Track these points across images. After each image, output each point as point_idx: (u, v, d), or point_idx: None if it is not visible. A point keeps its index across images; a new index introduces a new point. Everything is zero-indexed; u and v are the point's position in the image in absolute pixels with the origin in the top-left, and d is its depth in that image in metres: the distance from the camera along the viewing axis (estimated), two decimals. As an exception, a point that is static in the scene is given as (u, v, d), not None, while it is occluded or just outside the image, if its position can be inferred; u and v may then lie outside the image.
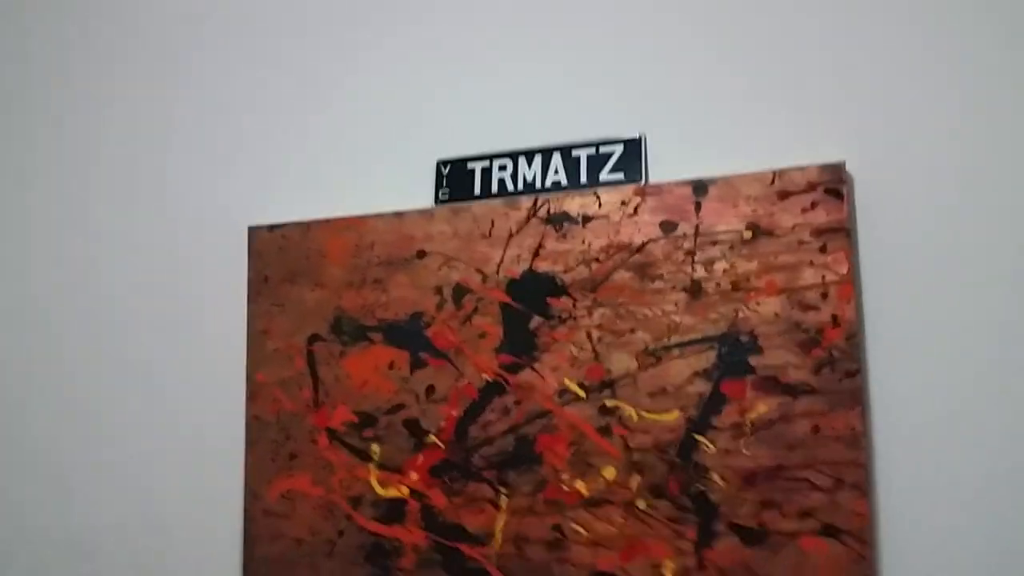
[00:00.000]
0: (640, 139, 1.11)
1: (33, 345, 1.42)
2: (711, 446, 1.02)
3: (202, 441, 1.30)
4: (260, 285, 1.27)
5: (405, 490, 1.16)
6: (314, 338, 1.23)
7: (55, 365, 1.40)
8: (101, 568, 1.33)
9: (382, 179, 1.25)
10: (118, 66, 1.43)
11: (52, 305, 1.42)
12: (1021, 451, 0.93)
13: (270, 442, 1.23)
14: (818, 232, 1.00)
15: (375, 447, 1.18)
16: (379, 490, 1.17)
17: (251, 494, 1.23)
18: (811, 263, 1.00)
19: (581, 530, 1.06)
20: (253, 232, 1.29)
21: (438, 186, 1.21)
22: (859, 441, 0.96)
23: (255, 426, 1.24)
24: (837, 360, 0.98)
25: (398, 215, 1.20)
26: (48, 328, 1.41)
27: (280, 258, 1.26)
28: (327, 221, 1.24)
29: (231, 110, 1.36)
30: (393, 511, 1.16)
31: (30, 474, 1.39)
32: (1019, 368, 0.95)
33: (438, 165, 1.21)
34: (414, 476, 1.16)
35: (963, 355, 0.96)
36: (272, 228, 1.28)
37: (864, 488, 0.96)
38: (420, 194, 1.22)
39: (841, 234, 0.99)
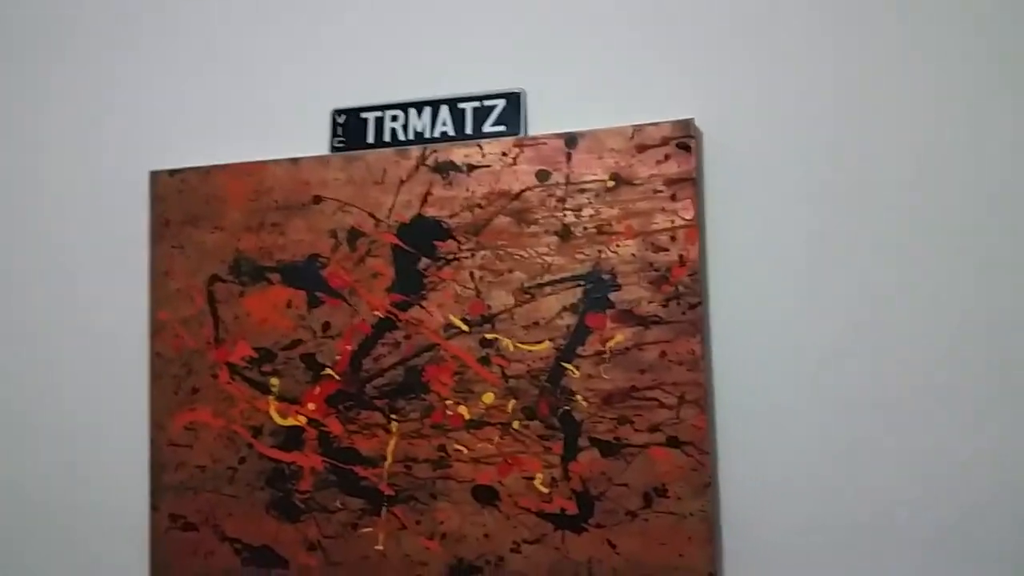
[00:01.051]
0: (520, 94, 1.25)
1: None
2: (576, 372, 1.18)
3: (108, 377, 1.40)
4: (162, 228, 1.36)
5: (303, 419, 1.29)
6: (214, 279, 1.33)
7: (-47, 305, 1.46)
8: (18, 500, 1.42)
9: (280, 127, 1.35)
10: (22, 11, 1.47)
11: (-52, 246, 1.47)
12: (835, 369, 1.13)
13: (172, 377, 1.34)
14: (670, 182, 1.17)
15: (274, 380, 1.30)
16: (278, 419, 1.30)
17: (156, 425, 1.34)
18: (663, 209, 1.17)
19: (463, 449, 1.22)
20: (155, 176, 1.37)
21: (333, 134, 1.32)
22: (699, 364, 1.14)
23: (158, 362, 1.35)
24: (682, 295, 1.15)
25: (294, 161, 1.31)
26: (-55, 269, 1.47)
27: (181, 202, 1.35)
28: (226, 166, 1.34)
29: (134, 57, 1.43)
30: (292, 439, 1.29)
31: (-69, 412, 1.45)
32: (831, 298, 1.14)
33: (333, 114, 1.32)
34: (311, 406, 1.29)
35: (790, 291, 1.15)
36: (173, 173, 1.37)
37: (703, 405, 1.14)
38: (316, 142, 1.33)
39: (689, 183, 1.16)
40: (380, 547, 1.24)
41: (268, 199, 1.32)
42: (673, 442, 1.15)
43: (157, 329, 1.35)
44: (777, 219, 1.15)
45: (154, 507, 1.34)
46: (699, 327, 1.14)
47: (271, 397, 1.30)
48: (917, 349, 1.11)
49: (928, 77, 1.12)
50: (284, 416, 1.30)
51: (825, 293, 1.14)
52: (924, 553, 1.09)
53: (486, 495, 1.21)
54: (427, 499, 1.23)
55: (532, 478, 1.19)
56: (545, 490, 1.19)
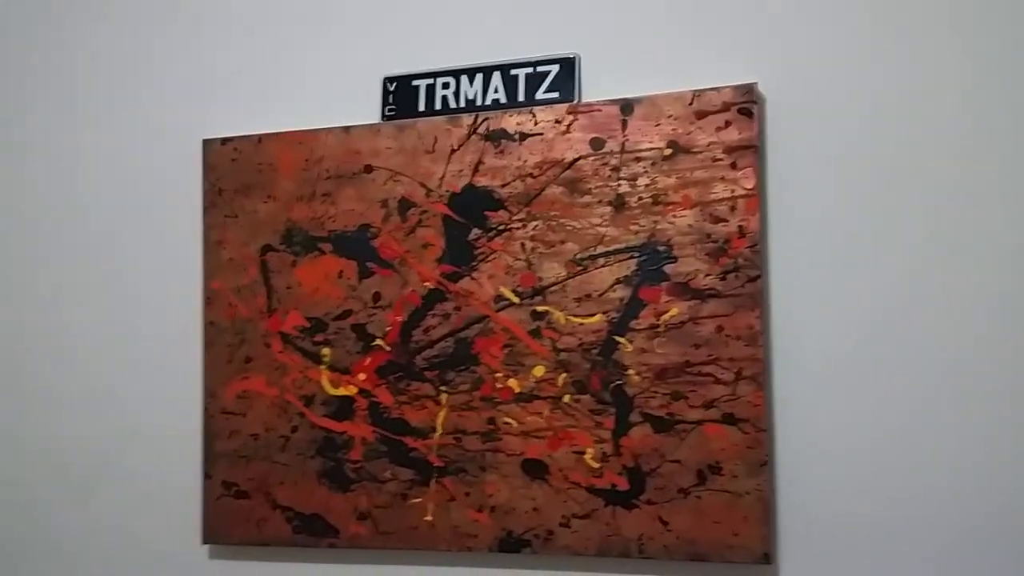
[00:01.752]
0: (574, 59, 1.23)
1: (1, 264, 1.53)
2: (629, 345, 1.17)
3: (162, 346, 1.43)
4: (215, 197, 1.39)
5: (353, 389, 1.31)
6: (266, 248, 1.35)
7: (19, 275, 1.51)
8: (71, 468, 1.48)
9: (331, 95, 1.36)
10: (69, -22, 1.51)
11: (15, 217, 1.52)
12: (897, 347, 1.10)
13: (226, 346, 1.37)
14: (730, 149, 1.14)
15: (325, 350, 1.32)
16: (329, 389, 1.32)
17: (209, 394, 1.38)
18: (722, 178, 1.14)
19: (513, 423, 1.22)
20: (207, 145, 1.40)
21: (384, 103, 1.32)
22: (757, 339, 1.12)
23: (211, 331, 1.38)
24: (741, 267, 1.13)
25: (346, 130, 1.32)
26: (11, 239, 1.52)
27: (233, 170, 1.38)
28: (278, 135, 1.35)
29: (186, 29, 1.45)
30: (343, 408, 1.31)
31: (1, 387, 1.52)
32: (894, 272, 1.10)
33: (384, 82, 1.32)
34: (362, 376, 1.31)
35: (855, 265, 1.12)
36: (225, 141, 1.39)
37: (761, 381, 1.12)
38: (367, 110, 1.33)
39: (751, 151, 1.13)
40: (429, 518, 1.25)
41: (320, 168, 1.33)
42: (729, 419, 1.13)
43: (210, 298, 1.38)
44: (841, 189, 1.12)
45: (207, 475, 1.38)
46: (758, 301, 1.12)
47: (322, 367, 1.32)
48: (981, 325, 1.07)
49: (994, 45, 1.07)
50: (335, 386, 1.32)
51: (887, 268, 1.10)
52: (985, 537, 1.05)
53: (536, 469, 1.21)
54: (476, 471, 1.24)
55: (583, 453, 1.19)
56: (596, 465, 1.18)
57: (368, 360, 1.30)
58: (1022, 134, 1.06)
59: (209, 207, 1.39)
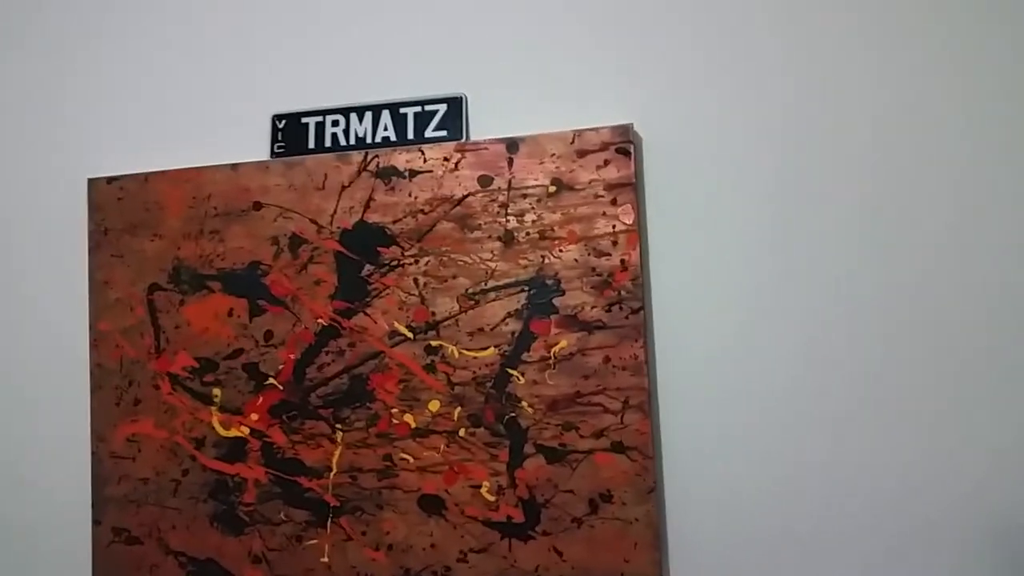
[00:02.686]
0: (462, 99, 1.27)
1: None
2: (521, 378, 1.20)
3: (48, 389, 1.40)
4: (100, 236, 1.36)
5: (246, 430, 1.30)
6: (154, 287, 1.34)
7: None
8: (-57, 518, 1.42)
9: (219, 132, 1.36)
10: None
11: None
12: (777, 374, 1.16)
13: (114, 388, 1.35)
14: (610, 187, 1.19)
15: (216, 391, 1.31)
16: (221, 431, 1.31)
17: (97, 438, 1.35)
18: (604, 214, 1.19)
19: (409, 458, 1.24)
20: (92, 184, 1.37)
21: (273, 140, 1.33)
22: (642, 369, 1.17)
23: (98, 373, 1.35)
24: (624, 299, 1.18)
25: (234, 167, 1.32)
26: None
27: (119, 209, 1.36)
28: (165, 173, 1.34)
29: (70, 64, 1.42)
30: (235, 450, 1.30)
31: None
32: (771, 301, 1.17)
33: (273, 119, 1.33)
34: (254, 417, 1.30)
35: (732, 294, 1.18)
36: (111, 180, 1.37)
37: (647, 409, 1.17)
38: (256, 148, 1.34)
39: (629, 188, 1.18)
40: (326, 559, 1.25)
41: (207, 206, 1.32)
42: (618, 447, 1.17)
43: (97, 340, 1.36)
44: (717, 223, 1.18)
45: (96, 521, 1.34)
46: (641, 332, 1.17)
47: (213, 408, 1.31)
48: (858, 354, 1.14)
49: (870, 80, 1.15)
50: (227, 427, 1.31)
51: (766, 297, 1.16)
52: (870, 567, 1.12)
53: (432, 504, 1.23)
54: (373, 509, 1.24)
55: (479, 486, 1.21)
56: (492, 498, 1.21)
57: (260, 400, 1.30)
58: (904, 162, 1.14)
59: (95, 247, 1.36)
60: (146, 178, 1.35)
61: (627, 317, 1.17)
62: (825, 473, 1.14)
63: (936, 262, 1.12)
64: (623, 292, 1.17)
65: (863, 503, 1.12)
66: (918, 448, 1.11)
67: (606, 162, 1.19)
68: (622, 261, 1.18)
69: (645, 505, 1.15)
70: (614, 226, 1.18)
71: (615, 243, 1.18)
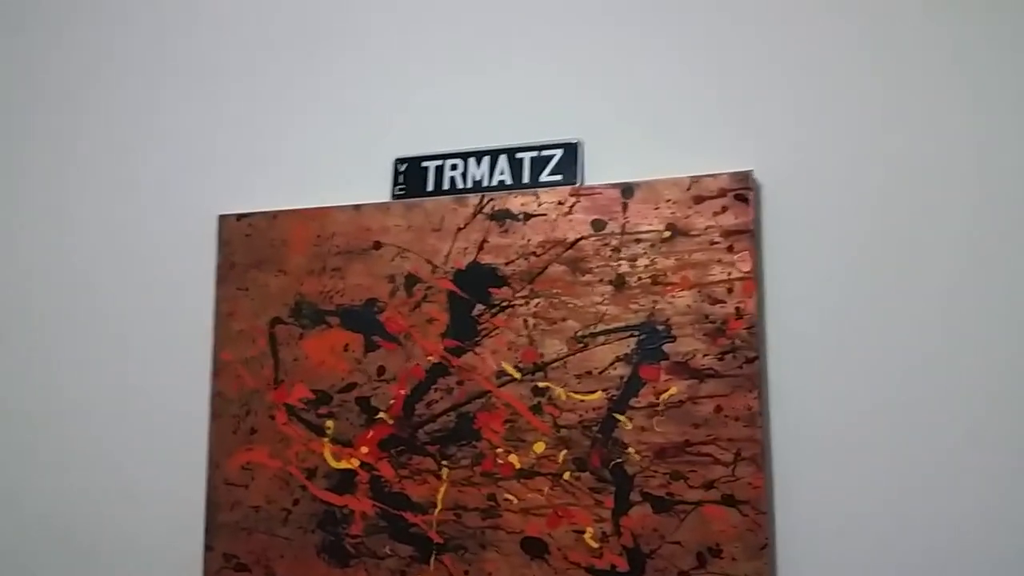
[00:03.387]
0: (577, 144, 1.30)
1: (12, 326, 1.59)
2: (628, 423, 1.20)
3: (169, 415, 1.48)
4: (227, 270, 1.45)
5: (356, 462, 1.34)
6: (276, 321, 1.41)
7: (33, 341, 1.57)
8: (73, 534, 1.51)
9: (343, 174, 1.43)
10: (99, 63, 1.61)
11: (32, 286, 1.59)
12: (896, 427, 1.12)
13: (232, 417, 1.41)
14: (727, 233, 1.19)
15: (329, 423, 1.36)
16: (332, 462, 1.35)
17: (213, 464, 1.41)
18: (720, 261, 1.19)
19: (513, 499, 1.25)
20: (223, 220, 1.47)
21: (394, 182, 1.39)
22: (756, 420, 1.15)
23: (218, 401, 1.42)
24: (739, 348, 1.16)
25: (357, 208, 1.39)
26: (28, 307, 1.59)
27: (247, 245, 1.44)
28: (292, 211, 1.42)
29: (207, 109, 1.54)
30: (344, 482, 1.34)
31: (6, 450, 1.56)
32: (890, 354, 1.13)
33: (395, 163, 1.40)
34: (364, 450, 1.34)
35: (850, 345, 1.15)
36: (240, 217, 1.46)
37: (760, 463, 1.14)
38: (378, 189, 1.40)
39: (747, 235, 1.18)
40: (427, 596, 1.27)
41: (330, 244, 1.39)
42: (729, 500, 1.15)
43: (219, 369, 1.43)
44: (835, 273, 1.16)
45: (208, 547, 1.40)
46: (756, 382, 1.15)
47: (326, 439, 1.36)
48: (983, 399, 1.09)
49: (992, 123, 1.12)
50: (338, 459, 1.35)
51: (884, 349, 1.13)
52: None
53: (535, 547, 1.23)
54: (476, 549, 1.25)
55: (582, 532, 1.21)
56: (595, 545, 1.20)
57: (371, 433, 1.34)
58: (1019, 218, 1.10)
59: (221, 280, 1.45)
60: (274, 216, 1.43)
61: (741, 366, 1.16)
62: (951, 534, 1.08)
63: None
64: (737, 340, 1.16)
65: (991, 566, 1.06)
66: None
67: (724, 208, 1.19)
68: (737, 309, 1.17)
69: (757, 562, 1.12)
70: (730, 273, 1.18)
71: (730, 290, 1.18)
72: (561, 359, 1.25)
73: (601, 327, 1.23)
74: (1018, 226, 1.11)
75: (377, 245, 1.37)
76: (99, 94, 1.61)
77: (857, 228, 1.16)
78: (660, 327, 1.20)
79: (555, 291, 1.26)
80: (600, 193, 1.26)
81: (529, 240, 1.29)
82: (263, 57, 1.52)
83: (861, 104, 1.18)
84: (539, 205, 1.29)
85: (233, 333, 1.43)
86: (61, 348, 1.56)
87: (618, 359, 1.22)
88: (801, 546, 1.14)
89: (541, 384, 1.25)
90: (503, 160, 1.33)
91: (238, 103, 1.52)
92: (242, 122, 1.51)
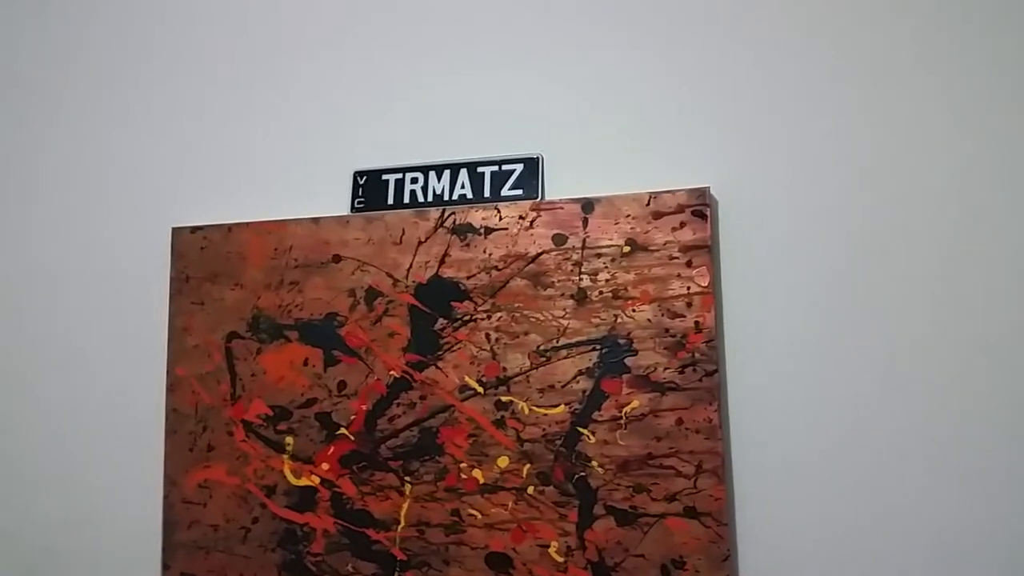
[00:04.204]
0: (538, 159, 1.31)
1: (-46, 338, 1.54)
2: (592, 437, 1.22)
3: (123, 432, 1.45)
4: (182, 284, 1.43)
5: (316, 479, 1.33)
6: (232, 335, 1.39)
7: (-24, 358, 1.53)
8: (24, 554, 1.47)
9: (301, 187, 1.42)
10: (56, 71, 1.57)
11: (-26, 300, 1.55)
12: (855, 439, 1.15)
13: (188, 434, 1.39)
14: (685, 248, 1.21)
15: (289, 439, 1.35)
16: (292, 479, 1.34)
17: (170, 482, 1.39)
18: (679, 275, 1.21)
19: (477, 514, 1.25)
20: (176, 233, 1.44)
21: (354, 195, 1.39)
22: (716, 432, 1.17)
23: (174, 418, 1.40)
24: (699, 361, 1.19)
25: (315, 221, 1.38)
26: (-31, 322, 1.54)
27: (202, 258, 1.42)
28: (248, 224, 1.41)
29: (160, 119, 1.51)
30: (305, 499, 1.33)
31: (-51, 464, 1.52)
32: (848, 366, 1.17)
33: (355, 176, 1.39)
34: (325, 466, 1.33)
35: (808, 357, 1.18)
36: (195, 230, 1.43)
37: (721, 474, 1.17)
38: (337, 202, 1.39)
39: (705, 251, 1.20)
40: (391, 613, 1.27)
41: (288, 257, 1.38)
42: (691, 512, 1.17)
43: (173, 385, 1.41)
44: (793, 287, 1.19)
45: (165, 565, 1.38)
46: (716, 395, 1.18)
47: (285, 456, 1.35)
48: (938, 419, 1.13)
49: (950, 142, 1.16)
50: (298, 476, 1.34)
51: (842, 361, 1.16)
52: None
53: (500, 562, 1.24)
54: (440, 565, 1.26)
55: (547, 546, 1.22)
56: (560, 559, 1.21)
57: (332, 449, 1.33)
58: (986, 230, 1.14)
59: (176, 294, 1.43)
60: (229, 229, 1.41)
61: (701, 380, 1.18)
62: (910, 543, 1.12)
63: (1022, 326, 1.11)
64: (697, 354, 1.19)
65: (951, 573, 1.10)
66: (1016, 514, 1.09)
67: (682, 224, 1.21)
68: (696, 323, 1.19)
69: (719, 574, 1.15)
70: (689, 288, 1.20)
71: (689, 304, 1.20)
72: (524, 373, 1.26)
73: (563, 341, 1.24)
74: (977, 242, 1.15)
75: (337, 258, 1.36)
76: (52, 103, 1.56)
77: (813, 243, 1.19)
78: (622, 341, 1.22)
79: (517, 305, 1.27)
80: (561, 208, 1.27)
81: (491, 254, 1.29)
82: (221, 68, 1.49)
83: (817, 121, 1.21)
84: (500, 219, 1.29)
85: (188, 348, 1.41)
86: (10, 363, 1.52)
87: (580, 373, 1.23)
88: (763, 557, 1.17)
89: (504, 398, 1.26)
90: (464, 174, 1.34)
91: (193, 113, 1.50)
92: (197, 133, 1.49)
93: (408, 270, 1.32)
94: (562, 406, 1.23)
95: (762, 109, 1.23)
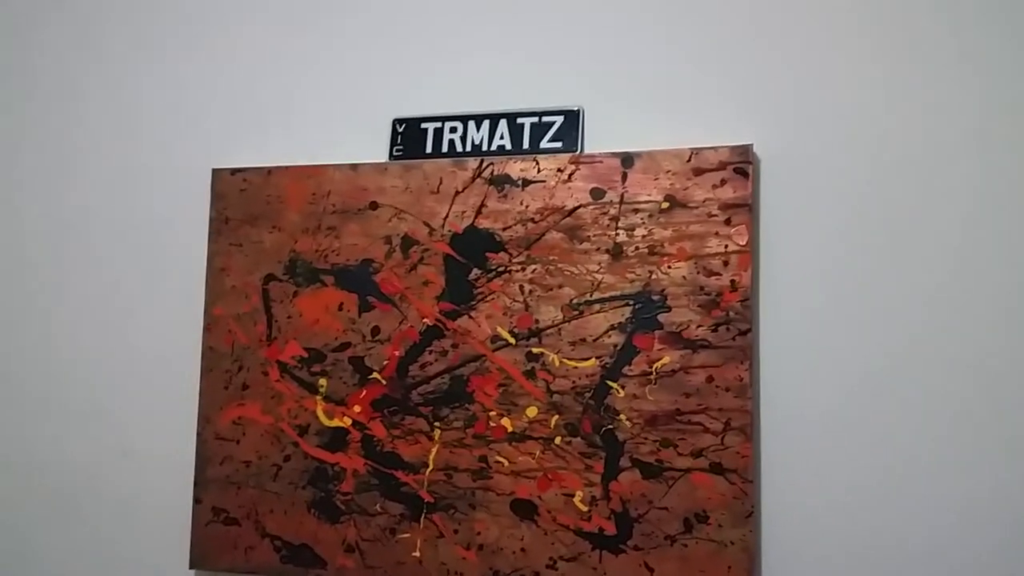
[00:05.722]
0: (579, 111, 1.32)
1: (3, 282, 1.60)
2: (621, 391, 1.24)
3: (160, 368, 1.50)
4: (221, 225, 1.46)
5: (348, 421, 1.37)
6: (269, 277, 1.43)
7: (17, 290, 1.58)
8: (62, 487, 1.54)
9: (341, 133, 1.44)
10: (94, 17, 1.60)
11: (26, 241, 1.60)
12: (885, 402, 1.17)
13: (223, 372, 1.44)
14: (725, 206, 1.22)
15: (322, 381, 1.39)
16: (324, 420, 1.38)
17: (204, 419, 1.44)
18: (717, 234, 1.22)
19: (504, 461, 1.29)
20: (217, 174, 1.47)
21: (393, 143, 1.40)
22: (747, 391, 1.19)
23: (210, 356, 1.45)
24: (732, 320, 1.20)
25: (354, 167, 1.40)
26: (11, 253, 1.59)
27: (241, 200, 1.45)
28: (287, 168, 1.43)
29: (202, 60, 1.53)
30: (336, 440, 1.38)
31: (-8, 393, 1.58)
32: (882, 329, 1.18)
33: (394, 123, 1.41)
34: (357, 409, 1.37)
35: (842, 322, 1.19)
36: (235, 172, 1.46)
37: (749, 433, 1.19)
38: (375, 149, 1.41)
39: (744, 209, 1.21)
40: (417, 554, 1.31)
41: (326, 203, 1.41)
42: (716, 468, 1.19)
43: (211, 324, 1.45)
44: (831, 248, 1.20)
45: (197, 499, 1.43)
46: (748, 354, 1.19)
47: (318, 397, 1.39)
48: (971, 381, 1.14)
49: (991, 103, 1.15)
50: (330, 417, 1.38)
51: (877, 324, 1.17)
52: (969, 598, 1.11)
53: (525, 509, 1.27)
54: (466, 509, 1.30)
55: (572, 495, 1.25)
56: (584, 508, 1.24)
57: (364, 393, 1.37)
58: (1011, 195, 1.14)
59: (215, 235, 1.46)
60: (269, 172, 1.44)
61: (734, 338, 1.20)
62: (932, 505, 1.14)
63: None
64: (731, 313, 1.20)
65: (972, 540, 1.12)
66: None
67: (723, 181, 1.22)
68: (732, 282, 1.20)
69: (742, 529, 1.17)
70: (726, 246, 1.21)
71: (726, 263, 1.21)
72: (556, 326, 1.28)
73: (597, 295, 1.26)
74: (1017, 204, 1.14)
75: (374, 205, 1.38)
76: (94, 49, 1.59)
77: (854, 205, 1.19)
78: (655, 297, 1.24)
79: (552, 258, 1.29)
80: (600, 162, 1.28)
81: (527, 206, 1.31)
82: (262, 13, 1.51)
83: (861, 81, 1.20)
84: (538, 171, 1.31)
85: (226, 288, 1.45)
86: (53, 302, 1.57)
87: (612, 327, 1.25)
88: (786, 514, 1.19)
89: (535, 350, 1.29)
90: (503, 125, 1.35)
91: (235, 57, 1.52)
92: (239, 77, 1.51)
93: (444, 219, 1.34)
94: (593, 359, 1.26)
95: (807, 67, 1.22)
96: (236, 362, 1.43)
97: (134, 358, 1.51)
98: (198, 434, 1.44)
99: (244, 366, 1.42)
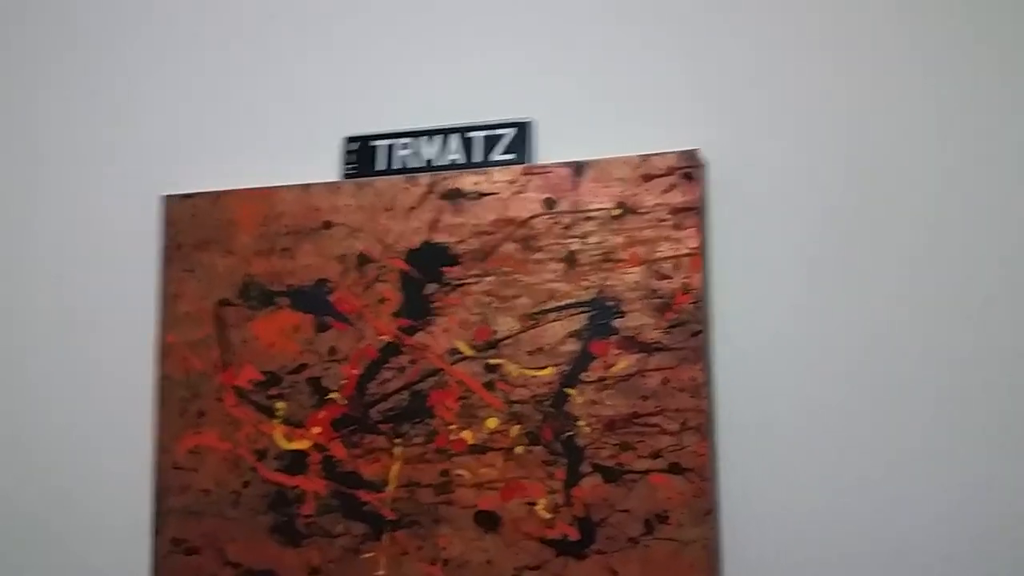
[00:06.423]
0: (529, 123, 1.35)
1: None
2: (579, 397, 1.26)
3: (114, 399, 1.48)
4: (173, 251, 1.46)
5: (307, 443, 1.37)
6: (223, 302, 1.42)
7: (-35, 326, 1.55)
8: (14, 523, 1.50)
9: (292, 153, 1.45)
10: (39, 38, 1.59)
11: (-38, 267, 1.57)
12: (837, 398, 1.20)
13: (179, 400, 1.43)
14: (674, 211, 1.25)
15: (279, 404, 1.38)
16: (283, 443, 1.38)
17: (161, 449, 1.42)
18: (668, 238, 1.25)
19: (466, 474, 1.29)
20: (167, 200, 1.47)
21: (344, 161, 1.42)
22: (701, 391, 1.22)
23: (165, 385, 1.43)
24: (685, 322, 1.23)
25: (305, 187, 1.41)
26: (-42, 290, 1.57)
27: (192, 225, 1.45)
28: (238, 191, 1.44)
29: (150, 85, 1.54)
30: (296, 462, 1.37)
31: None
32: (833, 327, 1.22)
33: (345, 141, 1.42)
34: (316, 430, 1.37)
35: (792, 320, 1.23)
36: (185, 197, 1.46)
37: (705, 432, 1.21)
38: (327, 169, 1.43)
39: (694, 213, 1.25)
40: (382, 572, 1.31)
41: (279, 224, 1.41)
42: (675, 468, 1.22)
43: (165, 352, 1.44)
44: (780, 249, 1.24)
45: (156, 531, 1.41)
46: (701, 354, 1.22)
47: (276, 421, 1.38)
48: (921, 378, 1.18)
49: (942, 103, 1.21)
50: (289, 440, 1.38)
51: (827, 322, 1.21)
52: (926, 583, 1.14)
53: (488, 521, 1.28)
54: (429, 524, 1.30)
55: (534, 504, 1.26)
56: (547, 516, 1.25)
57: (322, 413, 1.37)
58: (972, 192, 1.19)
59: (167, 261, 1.46)
60: (219, 196, 1.45)
61: (687, 340, 1.23)
62: (887, 500, 1.17)
63: (1009, 287, 1.16)
64: (684, 315, 1.23)
65: (927, 534, 1.15)
66: (985, 472, 1.14)
67: (671, 187, 1.25)
68: (684, 284, 1.23)
69: (701, 527, 1.19)
70: (677, 250, 1.24)
71: (677, 266, 1.24)
72: (513, 336, 1.30)
73: (552, 304, 1.29)
74: (970, 204, 1.19)
75: (327, 225, 1.39)
76: (40, 77, 1.59)
77: (802, 205, 1.24)
78: (610, 303, 1.26)
79: (507, 269, 1.31)
80: (551, 172, 1.31)
81: (481, 219, 1.33)
82: (210, 34, 1.52)
83: (808, 83, 1.25)
84: (491, 184, 1.33)
85: (179, 315, 1.44)
86: (1, 335, 1.54)
87: (569, 335, 1.27)
88: (744, 511, 1.21)
89: (493, 361, 1.30)
90: (455, 139, 1.37)
91: (182, 81, 1.52)
92: (185, 99, 1.52)
93: (399, 236, 1.36)
94: (550, 368, 1.28)
95: (753, 70, 1.27)
96: (191, 389, 1.42)
97: (88, 388, 1.49)
98: (156, 464, 1.42)
99: (200, 393, 1.42)
